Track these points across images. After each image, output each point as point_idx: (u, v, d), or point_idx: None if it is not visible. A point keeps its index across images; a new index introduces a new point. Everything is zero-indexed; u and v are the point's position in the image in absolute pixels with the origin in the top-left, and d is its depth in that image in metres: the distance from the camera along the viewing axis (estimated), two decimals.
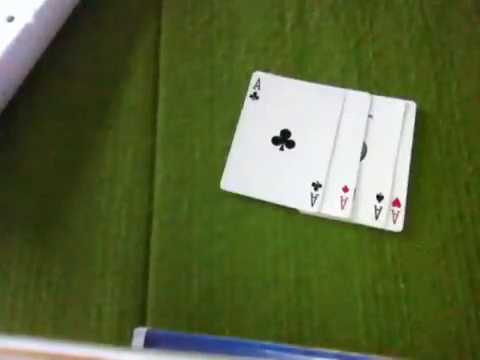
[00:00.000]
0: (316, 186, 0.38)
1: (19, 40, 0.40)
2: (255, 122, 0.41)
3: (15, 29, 0.40)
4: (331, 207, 0.38)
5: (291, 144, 0.40)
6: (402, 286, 0.36)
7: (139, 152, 0.41)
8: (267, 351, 0.33)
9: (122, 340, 0.35)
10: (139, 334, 0.33)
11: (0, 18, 0.40)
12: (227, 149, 0.40)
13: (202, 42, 0.45)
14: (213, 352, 0.32)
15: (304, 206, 0.38)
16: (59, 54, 0.44)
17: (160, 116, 0.42)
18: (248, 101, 0.42)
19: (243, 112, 0.41)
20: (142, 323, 0.36)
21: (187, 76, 0.43)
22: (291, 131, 0.40)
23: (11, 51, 0.40)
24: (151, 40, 0.45)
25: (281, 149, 0.40)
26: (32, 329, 0.36)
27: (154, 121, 0.42)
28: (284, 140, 0.40)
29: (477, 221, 0.38)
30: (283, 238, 0.38)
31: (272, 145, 0.40)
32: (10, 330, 0.36)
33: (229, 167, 0.40)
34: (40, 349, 0.28)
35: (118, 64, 0.42)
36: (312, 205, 0.38)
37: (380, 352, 0.34)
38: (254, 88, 0.42)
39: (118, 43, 0.45)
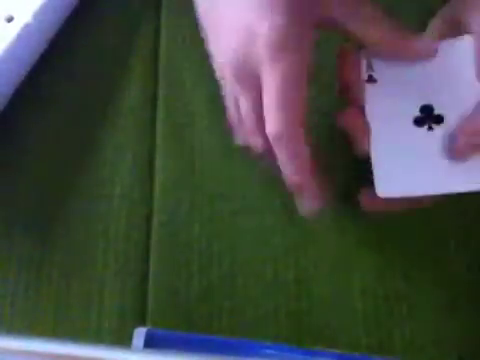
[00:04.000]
0: None
1: (19, 40, 0.40)
2: (384, 108, 0.34)
3: (14, 29, 0.40)
4: None
5: (439, 118, 0.33)
6: (402, 286, 0.36)
7: (139, 152, 0.41)
8: (267, 351, 0.33)
9: (122, 340, 0.35)
10: (139, 334, 0.33)
11: None
12: (227, 149, 0.40)
13: (201, 42, 0.44)
14: (213, 352, 0.32)
15: None
16: (59, 54, 0.44)
17: (160, 116, 0.42)
18: (367, 87, 0.35)
19: (367, 100, 0.35)
20: (142, 323, 0.36)
21: (187, 76, 0.43)
22: (432, 104, 0.34)
23: (11, 51, 0.40)
24: (150, 40, 0.45)
25: (429, 128, 0.33)
26: (32, 329, 0.36)
27: (154, 121, 0.42)
28: (429, 117, 0.34)
29: (477, 219, 0.38)
30: (283, 238, 0.38)
31: (416, 128, 0.34)
32: (10, 330, 0.36)
33: (380, 169, 0.33)
34: (40, 349, 0.28)
35: (118, 64, 0.42)
36: None
37: (380, 352, 0.34)
38: (367, 71, 0.35)
39: (118, 43, 0.45)
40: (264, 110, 0.32)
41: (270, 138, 0.32)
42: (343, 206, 0.39)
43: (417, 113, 0.34)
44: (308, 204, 0.34)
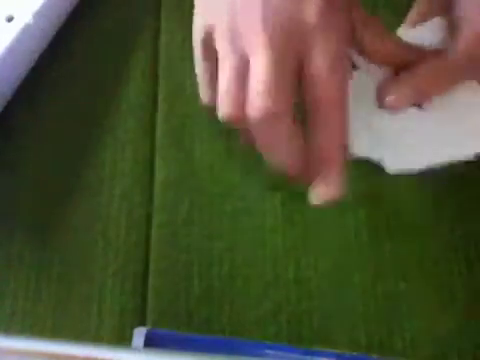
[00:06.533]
0: None
1: (18, 40, 0.40)
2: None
3: (14, 29, 0.40)
4: None
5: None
6: (402, 286, 0.36)
7: (139, 152, 0.41)
8: (267, 351, 0.33)
9: (122, 340, 0.35)
10: (139, 334, 0.33)
11: None
12: (227, 149, 0.40)
13: None
14: (213, 352, 0.32)
15: None
16: (59, 54, 0.44)
17: (160, 116, 0.42)
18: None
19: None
20: (142, 323, 0.36)
21: (186, 76, 0.43)
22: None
23: (11, 51, 0.40)
24: (150, 40, 0.45)
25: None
26: (32, 329, 0.36)
27: (154, 121, 0.42)
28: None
29: (477, 220, 0.38)
30: (283, 238, 0.38)
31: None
32: (10, 330, 0.36)
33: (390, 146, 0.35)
34: (40, 349, 0.28)
35: (118, 64, 0.42)
36: None
37: (380, 352, 0.34)
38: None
39: (118, 43, 0.45)
40: (314, 77, 0.30)
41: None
42: (343, 206, 0.39)
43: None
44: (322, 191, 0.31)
